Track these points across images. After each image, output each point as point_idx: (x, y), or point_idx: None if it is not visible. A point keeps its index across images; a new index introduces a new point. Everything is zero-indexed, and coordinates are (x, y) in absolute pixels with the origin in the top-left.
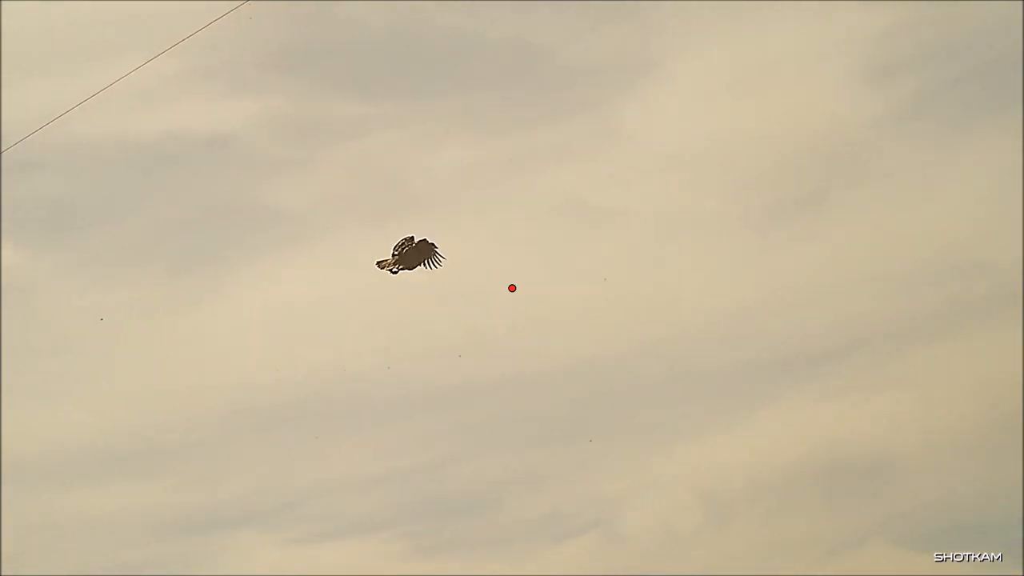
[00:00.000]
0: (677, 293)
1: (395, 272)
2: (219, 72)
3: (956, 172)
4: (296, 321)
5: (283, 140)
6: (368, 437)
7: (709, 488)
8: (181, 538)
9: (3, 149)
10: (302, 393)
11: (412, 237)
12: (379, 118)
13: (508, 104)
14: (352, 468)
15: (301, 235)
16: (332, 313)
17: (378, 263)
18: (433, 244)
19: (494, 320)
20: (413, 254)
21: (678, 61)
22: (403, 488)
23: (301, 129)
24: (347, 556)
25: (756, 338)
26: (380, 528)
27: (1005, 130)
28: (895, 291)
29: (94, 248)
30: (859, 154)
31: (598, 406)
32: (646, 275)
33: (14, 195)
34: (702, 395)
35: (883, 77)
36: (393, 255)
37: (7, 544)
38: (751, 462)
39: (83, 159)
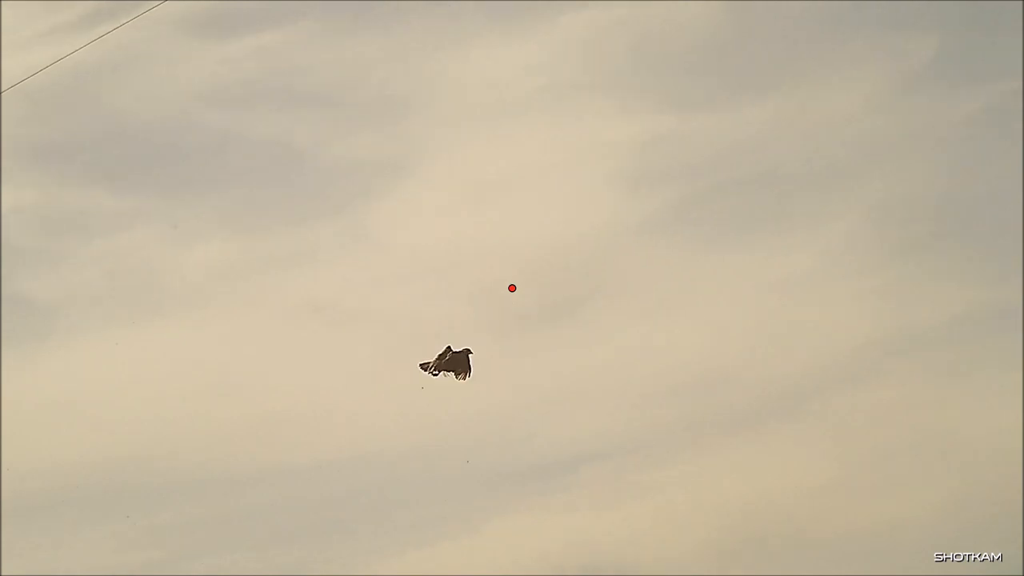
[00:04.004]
0: (414, 398)
1: (435, 375)
2: None
3: (706, 285)
4: (44, 413)
5: (36, 232)
6: (114, 528)
7: None
8: None
9: None
10: (49, 483)
11: (450, 347)
12: (133, 213)
13: (263, 203)
14: (98, 559)
15: (53, 327)
16: (80, 406)
17: (421, 365)
18: (468, 351)
19: (243, 416)
20: (455, 361)
21: (434, 165)
22: None
23: (55, 222)
24: None
25: (494, 447)
26: None
27: (757, 244)
28: (638, 403)
29: None
30: (613, 263)
31: (321, 511)
32: (388, 379)
33: None
34: (435, 503)
35: (642, 186)
36: (437, 359)
37: None
38: (485, 570)
39: None
